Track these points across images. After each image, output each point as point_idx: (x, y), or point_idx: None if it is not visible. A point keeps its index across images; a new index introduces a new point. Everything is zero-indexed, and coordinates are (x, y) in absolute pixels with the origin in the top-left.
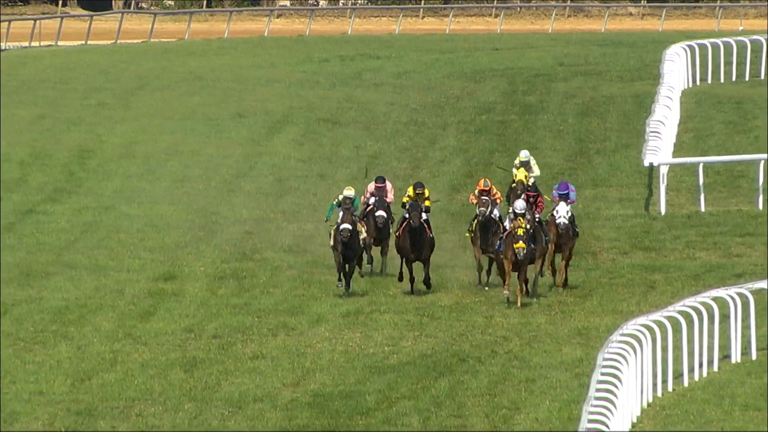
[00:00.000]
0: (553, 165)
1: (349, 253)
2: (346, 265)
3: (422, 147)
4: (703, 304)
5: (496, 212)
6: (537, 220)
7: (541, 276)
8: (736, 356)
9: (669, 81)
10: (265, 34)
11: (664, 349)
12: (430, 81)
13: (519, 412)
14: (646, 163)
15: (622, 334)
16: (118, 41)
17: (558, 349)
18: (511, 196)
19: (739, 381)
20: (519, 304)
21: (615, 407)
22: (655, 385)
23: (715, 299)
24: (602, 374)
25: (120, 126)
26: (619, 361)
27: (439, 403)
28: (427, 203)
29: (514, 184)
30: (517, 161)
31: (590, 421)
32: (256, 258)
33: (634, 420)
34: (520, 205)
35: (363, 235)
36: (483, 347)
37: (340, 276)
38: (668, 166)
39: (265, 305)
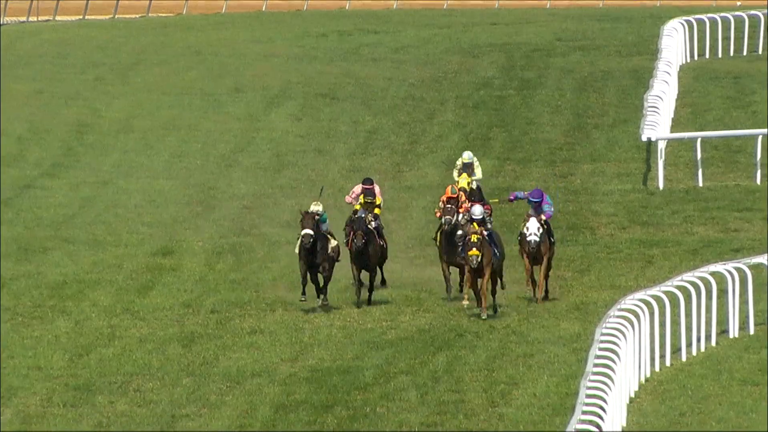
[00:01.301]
0: (551, 140)
1: (313, 260)
2: (317, 275)
3: (420, 122)
4: (701, 278)
5: (462, 220)
6: (488, 231)
7: (502, 288)
8: (734, 331)
9: (667, 56)
10: (263, 8)
11: (662, 324)
12: (428, 56)
13: (517, 387)
14: (644, 138)
15: (620, 309)
16: (116, 16)
17: (556, 324)
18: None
19: (737, 356)
20: (484, 315)
21: (613, 382)
22: (653, 360)
23: (713, 274)
24: (600, 349)
25: (118, 101)
26: (617, 336)
27: (437, 378)
28: (377, 211)
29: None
30: (459, 162)
31: (588, 396)
32: (254, 233)
33: (632, 395)
34: (477, 210)
35: (333, 243)
36: (481, 322)
37: (304, 289)
38: (666, 141)
39: (263, 280)
